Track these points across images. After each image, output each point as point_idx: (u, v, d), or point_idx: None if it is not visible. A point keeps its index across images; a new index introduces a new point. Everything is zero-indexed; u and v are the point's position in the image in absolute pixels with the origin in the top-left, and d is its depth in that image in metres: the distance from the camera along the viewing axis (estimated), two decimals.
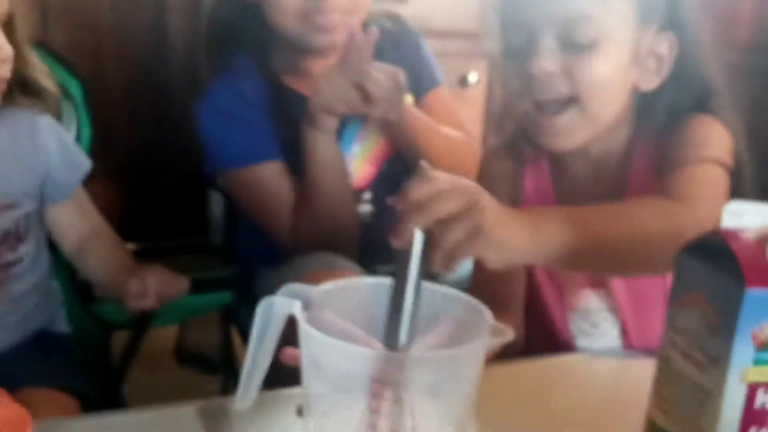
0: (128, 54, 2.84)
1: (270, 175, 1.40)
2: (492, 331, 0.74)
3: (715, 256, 0.71)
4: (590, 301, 1.16)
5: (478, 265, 1.22)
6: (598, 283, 1.16)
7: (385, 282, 0.80)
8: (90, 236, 1.31)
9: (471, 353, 0.73)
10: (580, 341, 1.18)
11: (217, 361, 1.53)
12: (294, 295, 0.78)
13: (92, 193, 1.35)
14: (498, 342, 0.73)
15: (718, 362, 0.70)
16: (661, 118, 1.10)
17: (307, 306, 0.77)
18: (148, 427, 0.89)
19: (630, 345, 1.16)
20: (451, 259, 0.82)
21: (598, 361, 1.11)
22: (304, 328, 0.73)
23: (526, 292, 1.20)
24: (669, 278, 0.80)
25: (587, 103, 1.05)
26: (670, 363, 0.76)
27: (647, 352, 1.07)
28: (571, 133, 1.07)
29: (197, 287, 1.23)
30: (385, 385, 0.69)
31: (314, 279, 0.85)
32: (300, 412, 0.83)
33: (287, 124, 1.39)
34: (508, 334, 0.74)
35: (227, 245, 1.73)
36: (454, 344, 0.73)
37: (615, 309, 1.15)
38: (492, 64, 2.03)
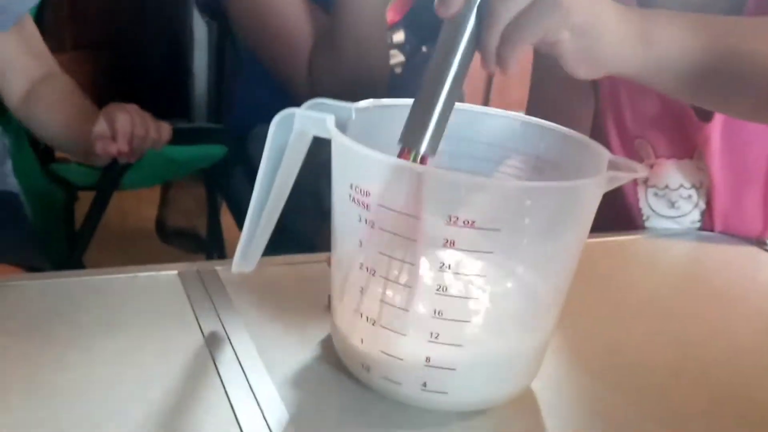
0: None
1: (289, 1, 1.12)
2: (615, 165, 0.51)
3: None
4: (670, 174, 0.92)
5: (537, 84, 0.99)
6: (685, 150, 0.92)
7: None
8: (40, 82, 1.04)
9: (587, 189, 0.49)
10: (652, 223, 0.95)
11: (202, 237, 1.31)
12: (321, 110, 0.55)
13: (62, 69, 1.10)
14: (627, 179, 0.50)
15: None
16: None
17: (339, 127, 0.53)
18: (116, 292, 0.67)
19: (710, 229, 0.94)
20: (510, 43, 0.56)
21: (674, 241, 0.91)
22: (349, 146, 0.49)
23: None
24: None
25: None
26: None
27: (733, 237, 0.91)
28: None
29: (181, 138, 0.98)
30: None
31: None
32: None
33: None
34: (640, 170, 0.51)
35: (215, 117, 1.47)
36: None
37: (702, 185, 0.92)
38: None
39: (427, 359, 0.50)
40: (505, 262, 0.49)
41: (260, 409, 0.52)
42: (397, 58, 1.22)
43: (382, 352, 0.51)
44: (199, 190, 1.28)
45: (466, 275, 0.48)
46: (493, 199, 0.47)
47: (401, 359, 0.51)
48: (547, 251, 0.51)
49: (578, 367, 0.61)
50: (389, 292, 0.50)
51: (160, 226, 1.33)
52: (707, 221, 0.94)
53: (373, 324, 0.51)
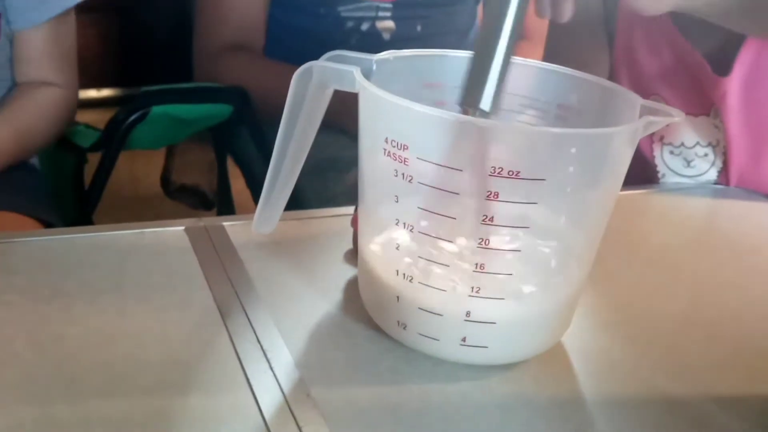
0: None
1: None
2: (647, 110, 0.50)
3: None
4: (686, 132, 0.90)
5: (553, 43, 0.97)
6: (701, 107, 0.88)
7: (465, 55, 0.56)
8: (40, 89, 1.02)
9: (625, 135, 0.48)
10: (668, 181, 0.92)
11: (208, 194, 1.28)
12: (341, 62, 0.52)
13: None
14: (663, 123, 0.49)
15: None
16: None
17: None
18: (123, 248, 0.64)
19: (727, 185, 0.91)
20: None
21: (688, 195, 0.89)
22: (386, 98, 0.46)
23: None
24: None
25: None
26: None
27: (749, 191, 0.88)
28: None
29: (186, 97, 0.96)
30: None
31: None
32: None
33: None
34: (675, 114, 0.50)
35: None
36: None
37: (719, 144, 0.89)
38: None
39: (468, 314, 0.49)
40: (548, 213, 0.47)
41: (267, 359, 0.51)
42: (386, 23, 1.20)
43: (421, 308, 0.49)
44: (206, 147, 1.25)
45: (510, 227, 0.47)
46: (540, 148, 0.46)
47: (441, 315, 0.50)
48: (588, 202, 0.49)
49: (594, 320, 0.60)
50: (429, 249, 0.48)
51: (165, 181, 1.30)
52: (723, 180, 0.91)
53: (410, 281, 0.49)
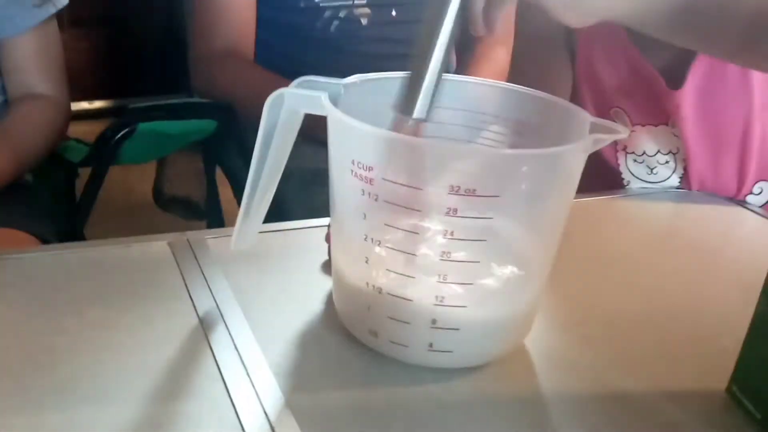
0: None
1: None
2: (596, 128, 0.54)
3: None
4: (647, 141, 0.93)
5: (518, 60, 1.01)
6: (659, 117, 0.92)
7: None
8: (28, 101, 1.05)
9: (575, 152, 0.52)
10: (633, 187, 0.96)
11: (200, 205, 1.32)
12: (311, 89, 0.56)
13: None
14: (610, 140, 0.53)
15: None
16: None
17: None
18: (109, 263, 0.68)
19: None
20: (495, 3, 0.58)
21: (653, 200, 0.92)
22: (349, 124, 0.50)
23: None
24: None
25: None
26: None
27: (712, 195, 0.92)
28: None
29: (173, 113, 1.00)
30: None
31: None
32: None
33: None
34: (621, 131, 0.54)
35: None
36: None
37: (679, 151, 0.92)
38: None
39: (434, 321, 0.52)
40: (505, 226, 0.51)
41: (245, 367, 0.53)
42: (363, 9, 1.26)
43: (390, 317, 0.53)
44: (195, 159, 1.28)
45: (469, 240, 0.51)
46: (493, 168, 0.50)
47: (408, 323, 0.53)
48: (541, 213, 0.53)
49: (555, 322, 0.63)
50: (395, 261, 0.52)
51: (157, 193, 1.32)
52: (685, 186, 0.94)
53: (379, 292, 0.53)
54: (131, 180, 1.77)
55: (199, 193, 1.33)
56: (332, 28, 1.26)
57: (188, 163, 1.30)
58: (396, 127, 0.53)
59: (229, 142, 1.15)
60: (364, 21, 1.28)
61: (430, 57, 0.53)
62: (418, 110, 0.52)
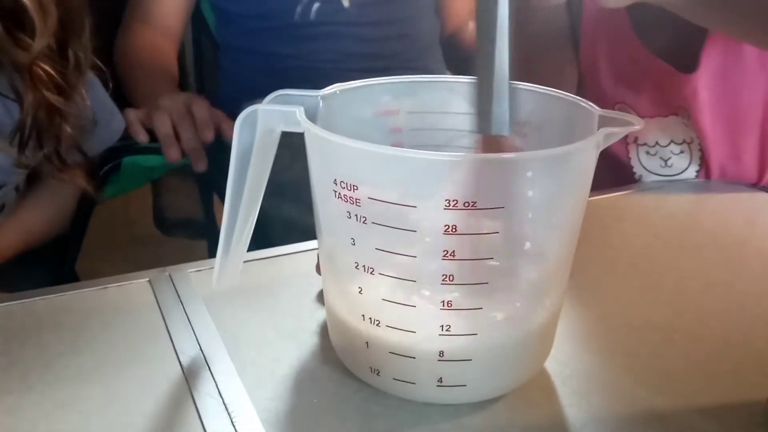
0: None
1: None
2: (606, 121, 0.48)
3: None
4: (657, 131, 0.87)
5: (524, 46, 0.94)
6: (669, 108, 0.86)
7: (415, 80, 0.54)
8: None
9: (585, 150, 0.46)
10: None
11: (203, 223, 1.27)
12: (286, 103, 0.50)
13: None
14: (623, 133, 0.47)
15: None
16: None
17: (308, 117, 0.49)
18: (84, 307, 0.61)
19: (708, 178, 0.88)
20: None
21: (668, 192, 0.85)
22: (330, 140, 0.44)
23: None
24: None
25: None
26: None
27: (729, 183, 0.85)
28: None
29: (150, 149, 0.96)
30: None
31: None
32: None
33: None
34: (635, 122, 0.48)
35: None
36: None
37: (693, 141, 0.86)
38: None
39: (441, 353, 0.46)
40: (511, 240, 0.45)
41: (228, 414, 0.47)
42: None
43: (392, 352, 0.47)
44: (188, 178, 1.24)
45: (473, 260, 0.45)
46: (494, 176, 0.44)
47: (413, 357, 0.47)
48: (552, 221, 0.47)
49: (575, 338, 0.57)
50: (391, 290, 0.46)
51: (159, 220, 1.27)
52: (704, 176, 0.88)
53: (377, 325, 0.47)
54: (132, 212, 1.73)
55: (198, 212, 1.30)
56: (313, 11, 1.24)
57: (182, 183, 1.26)
58: (482, 149, 0.47)
59: (218, 159, 1.09)
60: (345, 3, 1.25)
61: (493, 64, 0.46)
62: (496, 126, 0.45)
